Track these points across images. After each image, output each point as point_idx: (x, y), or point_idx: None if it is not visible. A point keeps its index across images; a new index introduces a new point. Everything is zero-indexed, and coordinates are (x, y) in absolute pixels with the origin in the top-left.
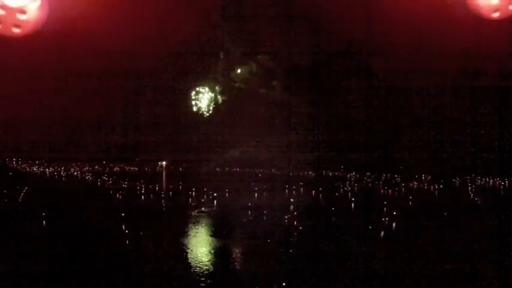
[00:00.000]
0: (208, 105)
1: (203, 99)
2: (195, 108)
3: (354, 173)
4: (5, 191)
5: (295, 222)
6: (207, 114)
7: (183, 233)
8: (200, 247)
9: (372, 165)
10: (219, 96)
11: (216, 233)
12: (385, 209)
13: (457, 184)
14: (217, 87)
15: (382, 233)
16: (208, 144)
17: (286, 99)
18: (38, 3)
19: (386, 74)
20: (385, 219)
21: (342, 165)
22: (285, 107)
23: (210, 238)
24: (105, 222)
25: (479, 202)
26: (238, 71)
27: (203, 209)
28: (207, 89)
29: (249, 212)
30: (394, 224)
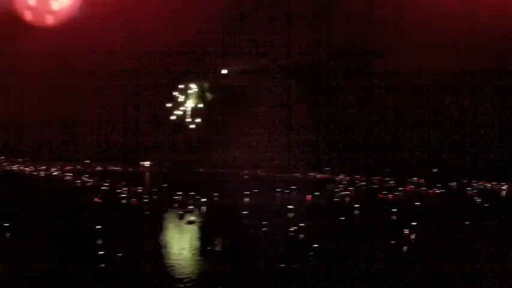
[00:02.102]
0: (196, 106)
1: (194, 99)
2: (181, 108)
3: (343, 175)
4: None
5: (307, 237)
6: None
7: (172, 255)
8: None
9: (361, 167)
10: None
11: (214, 257)
12: (394, 217)
13: (455, 187)
14: (204, 87)
15: (406, 247)
16: (196, 145)
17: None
18: None
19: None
20: (405, 232)
21: (329, 166)
22: (288, 109)
23: (206, 265)
24: (73, 235)
25: (487, 207)
26: (234, 69)
27: (193, 218)
28: (196, 88)
29: (246, 222)
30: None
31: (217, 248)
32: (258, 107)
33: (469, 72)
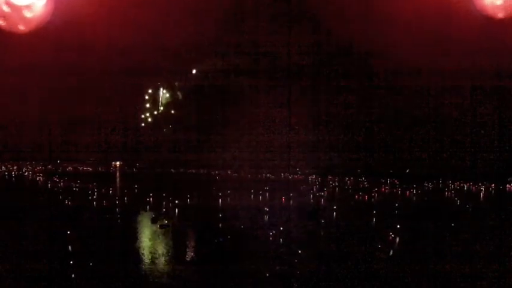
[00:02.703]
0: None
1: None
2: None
3: (314, 176)
4: None
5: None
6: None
7: (144, 263)
8: None
9: (331, 167)
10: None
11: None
12: (374, 219)
13: (430, 188)
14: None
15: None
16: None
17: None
18: (43, 1)
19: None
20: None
21: (302, 167)
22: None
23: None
24: (42, 241)
25: (470, 209)
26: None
27: (165, 221)
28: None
29: (221, 225)
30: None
31: (193, 255)
32: (258, 108)
33: (469, 72)
